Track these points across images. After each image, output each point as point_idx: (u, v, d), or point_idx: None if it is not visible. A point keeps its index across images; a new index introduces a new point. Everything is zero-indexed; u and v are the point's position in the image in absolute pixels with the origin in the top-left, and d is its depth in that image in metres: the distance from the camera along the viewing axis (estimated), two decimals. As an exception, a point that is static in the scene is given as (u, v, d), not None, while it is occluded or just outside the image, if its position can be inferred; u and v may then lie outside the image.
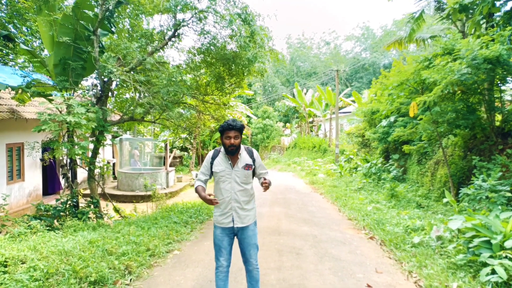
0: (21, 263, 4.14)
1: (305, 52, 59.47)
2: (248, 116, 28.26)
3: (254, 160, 3.43)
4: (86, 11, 7.86)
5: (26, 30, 12.52)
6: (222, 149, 3.40)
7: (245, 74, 9.89)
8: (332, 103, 25.76)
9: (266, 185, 3.25)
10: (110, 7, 7.80)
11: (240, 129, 3.27)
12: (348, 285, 4.29)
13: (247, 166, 3.37)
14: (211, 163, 3.39)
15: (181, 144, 25.92)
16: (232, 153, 3.29)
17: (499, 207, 5.46)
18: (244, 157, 3.39)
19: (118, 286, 4.14)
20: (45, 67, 8.42)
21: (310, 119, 34.49)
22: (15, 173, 10.27)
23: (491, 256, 4.07)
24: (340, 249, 5.76)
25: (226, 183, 3.33)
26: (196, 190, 3.34)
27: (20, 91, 7.66)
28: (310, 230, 7.02)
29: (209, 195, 3.18)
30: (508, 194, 5.70)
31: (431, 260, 4.76)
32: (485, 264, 4.07)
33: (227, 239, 3.38)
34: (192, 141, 20.88)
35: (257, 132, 34.70)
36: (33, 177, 11.09)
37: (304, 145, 28.51)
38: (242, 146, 3.41)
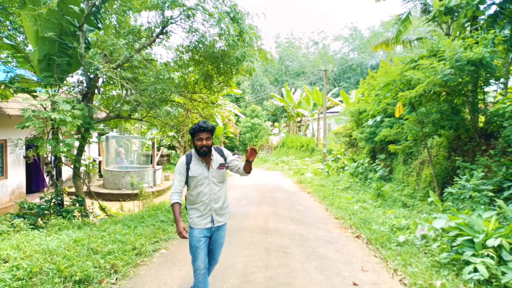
0: (4, 262, 4.06)
1: (294, 52, 59.70)
2: (236, 115, 28.26)
3: (225, 158, 3.46)
4: (72, 6, 7.73)
5: (9, 24, 12.23)
6: (193, 152, 3.38)
7: (234, 72, 9.87)
8: (320, 103, 25.93)
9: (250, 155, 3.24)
10: (97, 3, 7.70)
11: (211, 130, 3.28)
12: (335, 284, 4.33)
13: (221, 166, 3.40)
14: (187, 169, 3.33)
15: (169, 142, 25.73)
16: (204, 154, 3.29)
17: (482, 206, 5.58)
18: (216, 158, 3.41)
19: (104, 285, 4.10)
20: (29, 63, 8.25)
21: (298, 119, 34.66)
22: (-3, 170, 10.05)
23: (473, 255, 4.17)
24: (327, 248, 5.80)
25: (204, 186, 3.33)
26: (173, 208, 3.25)
27: (2, 87, 7.48)
28: (298, 229, 7.06)
29: (185, 229, 3.15)
30: (491, 194, 5.83)
31: (415, 259, 4.84)
32: (467, 262, 4.16)
33: (204, 240, 3.35)
34: (179, 139, 20.76)
35: (245, 131, 34.70)
36: (17, 175, 10.86)
37: (292, 145, 28.64)
38: (212, 147, 3.41)
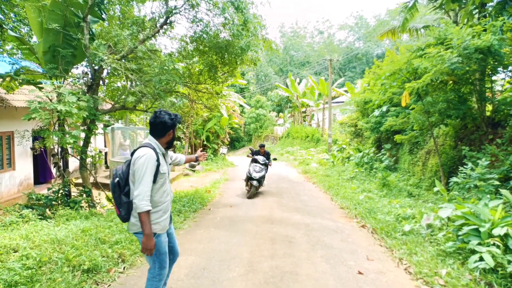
0: (13, 252, 4.13)
1: (299, 41, 59.21)
2: (241, 106, 28.16)
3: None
4: (76, -4, 7.69)
5: (14, 16, 12.24)
6: (155, 146, 2.90)
7: (238, 63, 9.81)
8: (325, 93, 25.77)
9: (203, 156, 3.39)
10: (101, -7, 7.65)
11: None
12: (340, 272, 4.36)
13: (170, 159, 3.28)
14: (158, 165, 2.83)
15: (174, 133, 25.70)
16: (173, 147, 3.15)
17: (488, 195, 5.55)
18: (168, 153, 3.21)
19: (112, 274, 4.16)
20: (34, 54, 8.26)
21: (303, 109, 34.52)
22: (5, 162, 10.14)
23: (479, 244, 4.17)
24: (332, 237, 5.83)
25: (167, 183, 3.02)
26: (145, 217, 2.74)
27: (8, 79, 7.51)
28: (303, 218, 7.09)
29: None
30: (496, 183, 5.79)
31: (421, 248, 4.86)
32: (473, 251, 4.17)
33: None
34: (184, 130, 20.79)
35: (250, 121, 34.68)
36: (24, 166, 10.97)
37: (297, 135, 28.60)
38: None
